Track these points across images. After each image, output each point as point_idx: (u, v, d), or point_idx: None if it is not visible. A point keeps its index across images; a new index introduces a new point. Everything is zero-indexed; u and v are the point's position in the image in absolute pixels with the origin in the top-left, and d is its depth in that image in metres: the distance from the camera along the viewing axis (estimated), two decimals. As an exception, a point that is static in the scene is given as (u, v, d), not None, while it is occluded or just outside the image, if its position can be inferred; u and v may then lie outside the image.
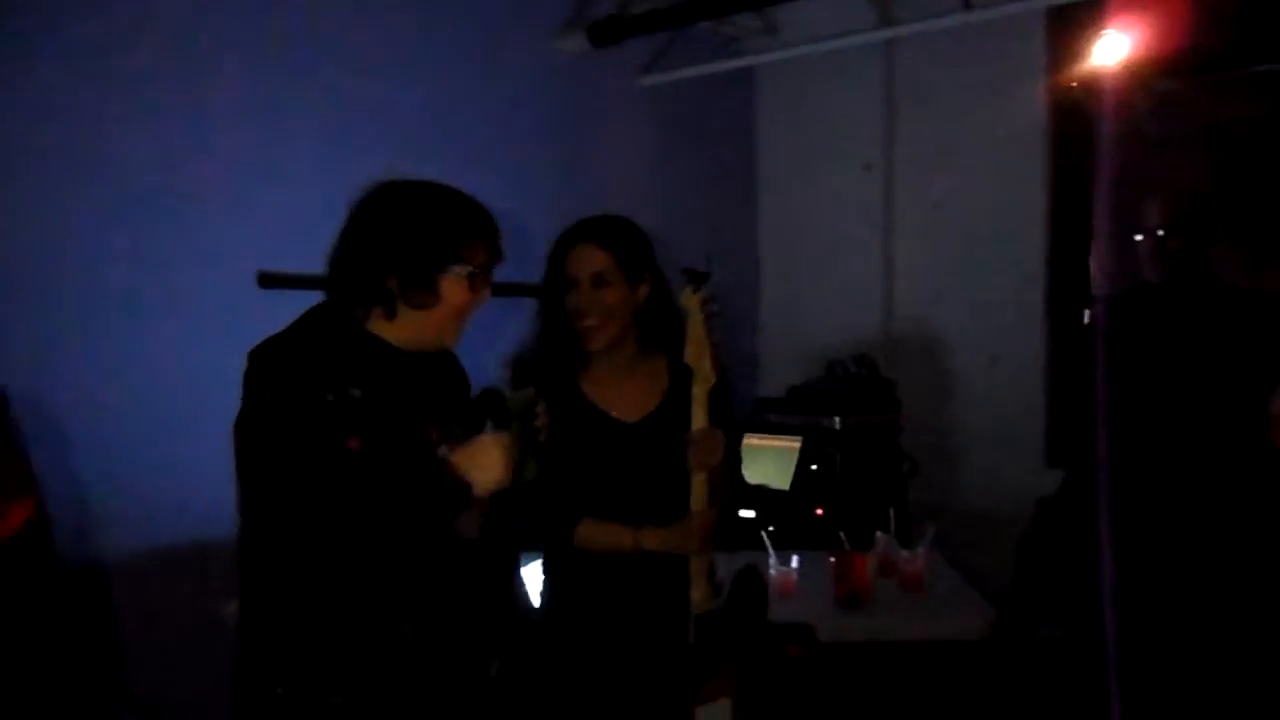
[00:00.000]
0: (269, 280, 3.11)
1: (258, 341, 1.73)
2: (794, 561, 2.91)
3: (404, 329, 1.78)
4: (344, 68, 3.41)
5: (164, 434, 2.95)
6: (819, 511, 3.81)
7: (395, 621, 1.71)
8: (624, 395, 2.19)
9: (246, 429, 1.67)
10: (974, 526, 4.05)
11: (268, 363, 1.68)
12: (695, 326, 2.04)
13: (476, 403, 1.84)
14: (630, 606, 2.13)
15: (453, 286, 1.77)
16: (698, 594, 2.07)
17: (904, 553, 2.97)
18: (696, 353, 2.04)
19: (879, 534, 3.11)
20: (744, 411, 4.33)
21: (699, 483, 2.06)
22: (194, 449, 2.98)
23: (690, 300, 2.05)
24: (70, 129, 2.82)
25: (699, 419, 2.05)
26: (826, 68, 4.63)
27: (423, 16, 3.66)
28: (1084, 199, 4.21)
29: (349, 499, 1.63)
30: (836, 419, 4.06)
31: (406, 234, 1.74)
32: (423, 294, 1.75)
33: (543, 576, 2.24)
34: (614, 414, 2.18)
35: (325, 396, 1.65)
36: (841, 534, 2.97)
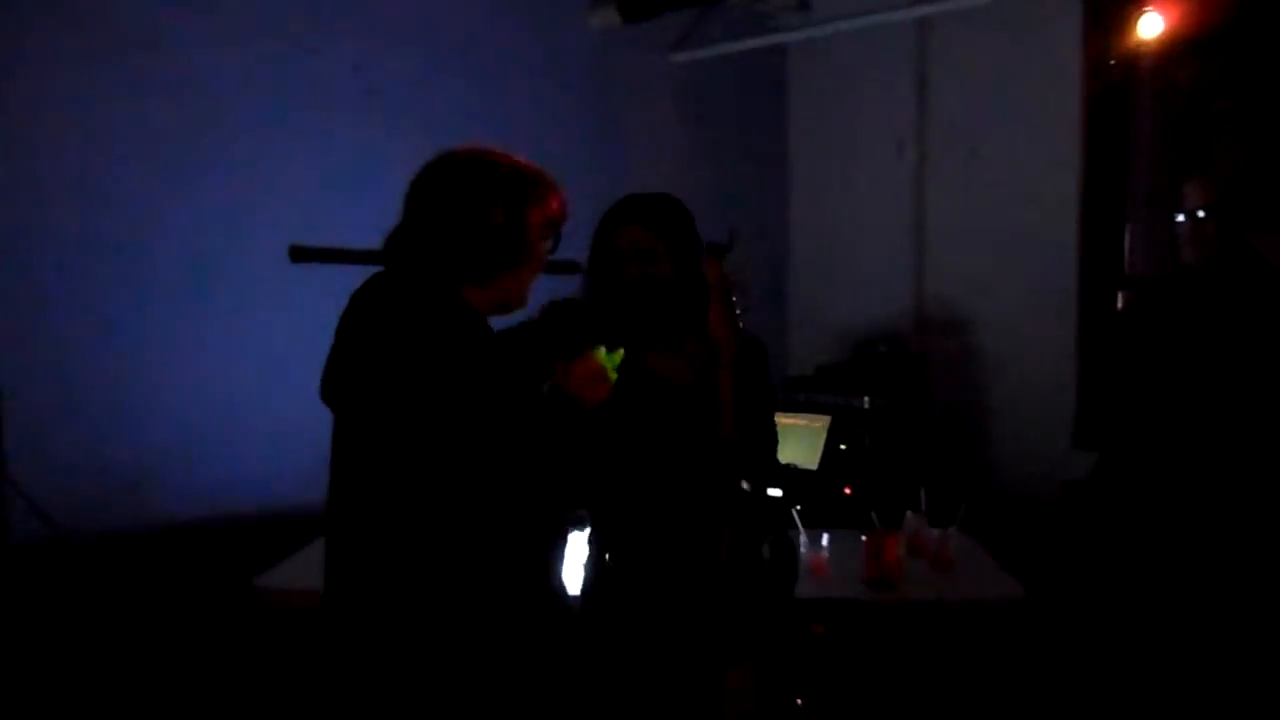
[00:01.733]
0: (301, 254, 3.12)
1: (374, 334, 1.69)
2: (824, 540, 2.90)
3: (494, 291, 1.80)
4: (376, 43, 3.42)
5: (199, 406, 2.98)
6: (847, 491, 3.80)
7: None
8: (673, 362, 2.19)
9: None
10: (1002, 507, 4.03)
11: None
12: (716, 299, 2.05)
13: (550, 315, 1.95)
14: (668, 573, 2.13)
15: (538, 242, 1.83)
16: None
17: (934, 532, 2.96)
18: (719, 325, 2.05)
19: (909, 513, 3.09)
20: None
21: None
22: (230, 420, 3.02)
23: (711, 273, 2.04)
24: (98, 104, 2.83)
25: (725, 392, 2.05)
26: (859, 45, 4.59)
27: (454, -8, 3.66)
28: (1120, 179, 4.19)
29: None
30: (865, 398, 4.07)
31: (498, 193, 1.78)
32: (516, 252, 1.79)
33: (589, 542, 2.24)
34: (667, 377, 2.18)
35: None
36: (873, 513, 2.96)
